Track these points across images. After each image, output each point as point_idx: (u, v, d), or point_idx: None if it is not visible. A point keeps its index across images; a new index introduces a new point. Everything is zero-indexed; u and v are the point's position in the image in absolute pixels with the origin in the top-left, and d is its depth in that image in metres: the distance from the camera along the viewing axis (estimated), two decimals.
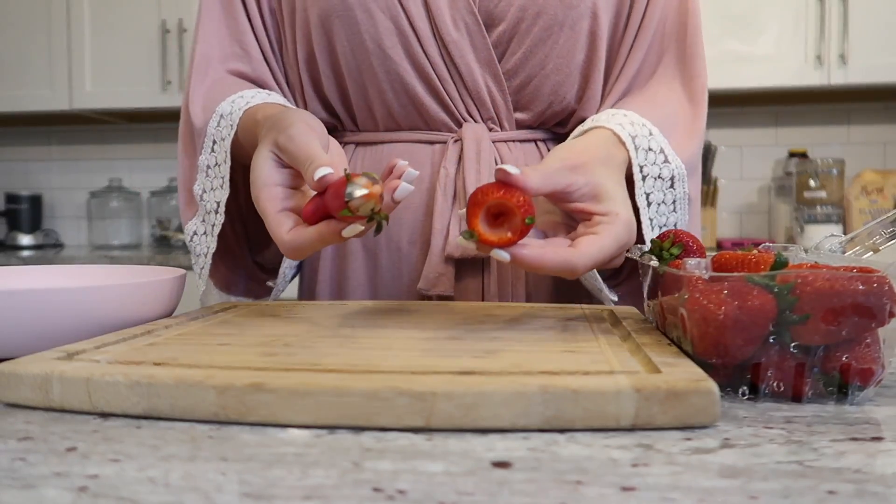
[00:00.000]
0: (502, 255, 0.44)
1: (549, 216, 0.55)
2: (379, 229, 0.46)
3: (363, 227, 0.47)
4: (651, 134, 0.62)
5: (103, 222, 2.60)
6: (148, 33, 2.34)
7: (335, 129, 0.77)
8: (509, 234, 0.44)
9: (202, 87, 0.71)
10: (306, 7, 0.71)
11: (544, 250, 0.46)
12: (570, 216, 0.53)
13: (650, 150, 0.61)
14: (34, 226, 2.61)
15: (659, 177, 0.62)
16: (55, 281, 0.63)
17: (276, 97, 0.69)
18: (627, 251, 0.53)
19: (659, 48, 0.72)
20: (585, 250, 0.47)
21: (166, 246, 2.51)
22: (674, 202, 0.64)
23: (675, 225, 0.65)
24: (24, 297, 0.45)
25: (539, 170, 0.48)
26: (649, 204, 0.62)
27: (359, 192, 0.44)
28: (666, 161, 0.62)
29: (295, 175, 0.52)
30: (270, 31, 0.75)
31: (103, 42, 2.37)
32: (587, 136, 0.61)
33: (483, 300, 0.69)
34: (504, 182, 0.45)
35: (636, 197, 0.61)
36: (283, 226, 0.49)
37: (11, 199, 2.59)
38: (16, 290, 0.45)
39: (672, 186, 0.63)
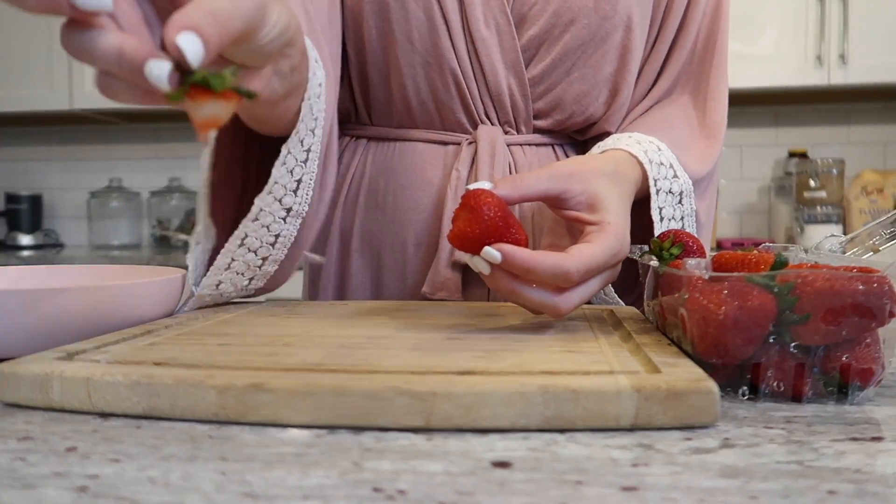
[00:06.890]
0: (493, 253, 0.45)
1: (551, 239, 0.55)
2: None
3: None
4: (660, 149, 0.63)
5: (103, 222, 2.60)
6: None
7: (348, 118, 0.76)
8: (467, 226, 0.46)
9: None
10: None
11: (536, 252, 0.46)
12: (573, 232, 0.55)
13: (661, 164, 0.62)
14: (34, 226, 2.61)
15: (669, 191, 0.63)
16: (55, 281, 0.63)
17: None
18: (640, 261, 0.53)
19: (693, 68, 0.72)
20: (577, 255, 0.47)
21: (166, 246, 2.51)
22: (682, 218, 0.65)
23: None
24: (24, 297, 0.45)
25: (512, 177, 0.49)
26: (662, 219, 0.63)
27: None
28: (675, 176, 0.63)
29: None
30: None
31: None
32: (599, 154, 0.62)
33: None
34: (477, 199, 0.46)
35: (651, 211, 0.61)
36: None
37: (11, 199, 2.59)
38: (16, 290, 0.45)
39: (680, 202, 0.64)
